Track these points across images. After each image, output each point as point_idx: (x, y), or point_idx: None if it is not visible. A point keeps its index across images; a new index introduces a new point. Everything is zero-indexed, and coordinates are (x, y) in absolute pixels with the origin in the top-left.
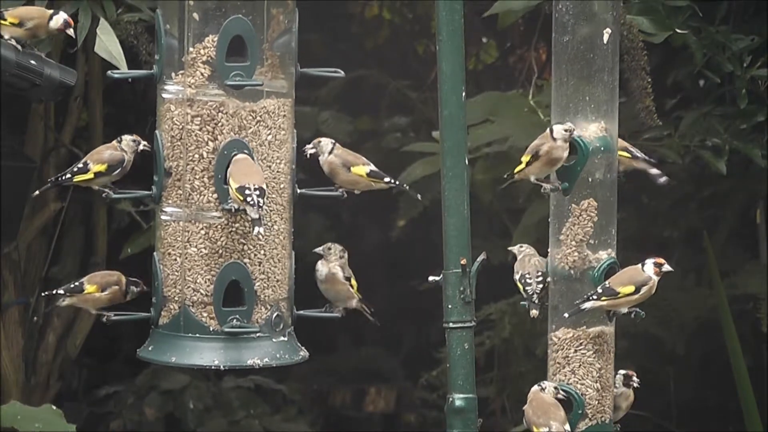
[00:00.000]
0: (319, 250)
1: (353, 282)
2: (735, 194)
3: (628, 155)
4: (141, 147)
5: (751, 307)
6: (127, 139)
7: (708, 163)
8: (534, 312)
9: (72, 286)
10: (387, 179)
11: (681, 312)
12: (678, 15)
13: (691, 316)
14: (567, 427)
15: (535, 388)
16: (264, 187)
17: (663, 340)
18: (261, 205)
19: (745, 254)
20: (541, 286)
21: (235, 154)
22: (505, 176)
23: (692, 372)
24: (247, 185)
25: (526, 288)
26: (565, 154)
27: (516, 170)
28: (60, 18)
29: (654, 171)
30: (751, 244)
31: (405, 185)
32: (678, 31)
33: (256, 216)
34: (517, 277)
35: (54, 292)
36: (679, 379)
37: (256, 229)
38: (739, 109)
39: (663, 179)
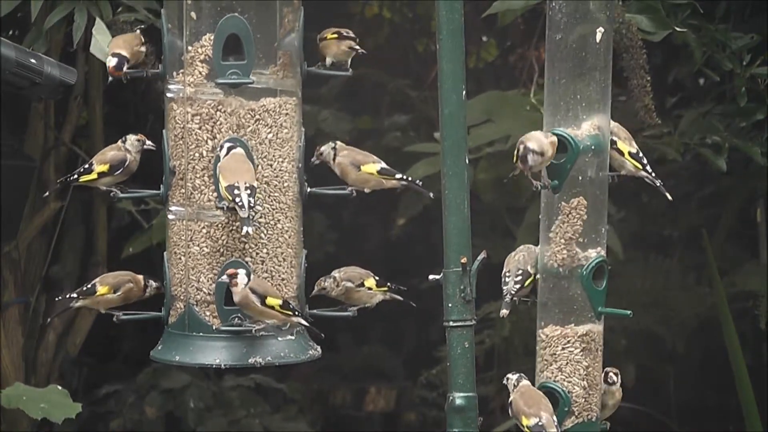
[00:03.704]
0: (316, 293)
1: (367, 283)
2: (735, 193)
3: (639, 166)
4: (146, 146)
5: (750, 306)
6: (131, 138)
7: (708, 160)
8: (503, 312)
9: (84, 288)
10: (399, 176)
11: (681, 310)
12: (678, 13)
13: (691, 315)
14: (555, 419)
15: (524, 382)
16: (255, 185)
17: (663, 338)
18: (252, 204)
19: (744, 253)
20: (518, 286)
21: (232, 149)
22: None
23: (692, 370)
24: (236, 184)
25: (503, 287)
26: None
27: (514, 160)
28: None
29: (658, 185)
30: (751, 243)
31: (418, 181)
32: (677, 29)
33: (245, 215)
34: (502, 274)
35: (67, 296)
36: (679, 377)
37: (245, 228)
38: (738, 107)
39: (668, 196)
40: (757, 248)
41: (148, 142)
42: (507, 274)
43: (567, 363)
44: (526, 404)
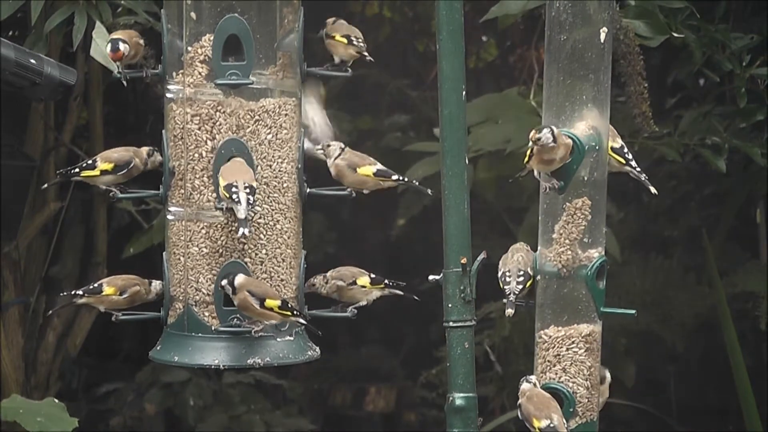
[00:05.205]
0: (307, 290)
1: (360, 281)
2: (735, 193)
3: (622, 161)
4: (149, 160)
5: (750, 306)
6: (154, 158)
7: (708, 161)
8: (509, 311)
9: (91, 287)
10: (395, 177)
11: (681, 310)
12: (676, 16)
13: (691, 315)
14: (564, 421)
15: (528, 385)
16: (254, 185)
17: (663, 338)
18: (251, 202)
19: (744, 253)
20: (521, 286)
21: (232, 157)
22: (522, 170)
23: (692, 370)
24: (234, 183)
25: (504, 287)
26: (556, 155)
27: (525, 161)
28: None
29: (643, 179)
30: (751, 243)
31: (414, 181)
32: (675, 35)
33: (243, 216)
34: (499, 274)
35: (73, 292)
36: (679, 377)
37: (241, 230)
38: (738, 107)
39: (652, 189)
40: (757, 248)
41: (157, 159)
42: (507, 273)
43: (571, 364)
44: (535, 407)
